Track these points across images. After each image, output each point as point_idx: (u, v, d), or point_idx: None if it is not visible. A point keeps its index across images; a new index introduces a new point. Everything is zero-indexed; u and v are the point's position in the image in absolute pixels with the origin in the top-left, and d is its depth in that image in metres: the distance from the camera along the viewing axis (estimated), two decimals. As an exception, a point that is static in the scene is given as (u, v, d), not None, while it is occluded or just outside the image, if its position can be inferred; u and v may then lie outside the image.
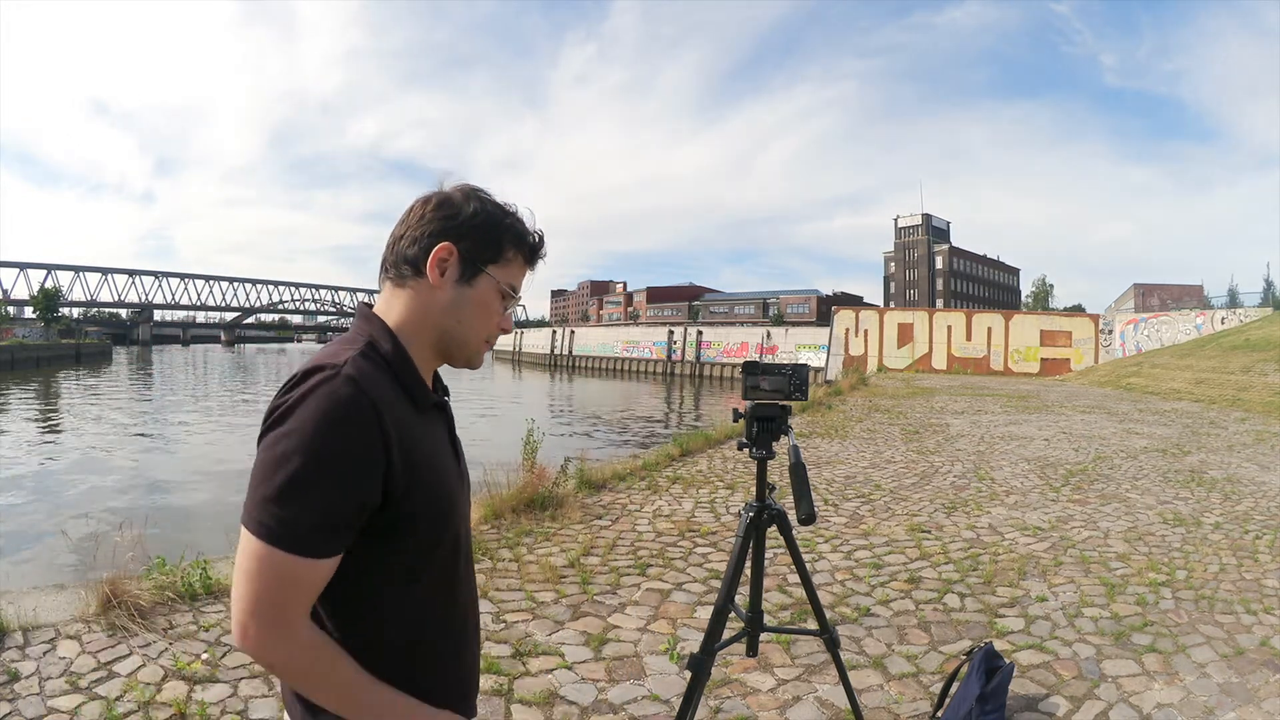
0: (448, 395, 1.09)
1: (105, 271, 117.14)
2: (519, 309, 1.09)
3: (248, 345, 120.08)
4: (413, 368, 0.96)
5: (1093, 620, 3.34)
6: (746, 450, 2.02)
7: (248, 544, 0.82)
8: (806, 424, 10.41)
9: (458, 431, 1.11)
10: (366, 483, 0.84)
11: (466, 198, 0.98)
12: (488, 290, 0.99)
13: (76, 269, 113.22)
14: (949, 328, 30.12)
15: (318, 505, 0.81)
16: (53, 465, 12.86)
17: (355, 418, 0.83)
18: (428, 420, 0.98)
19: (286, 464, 0.81)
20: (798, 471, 1.79)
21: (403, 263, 0.97)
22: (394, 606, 0.93)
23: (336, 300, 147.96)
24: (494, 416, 20.87)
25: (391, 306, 0.98)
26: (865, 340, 30.64)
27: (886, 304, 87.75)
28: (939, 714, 2.47)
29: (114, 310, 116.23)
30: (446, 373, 1.11)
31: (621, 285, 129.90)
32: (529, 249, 1.03)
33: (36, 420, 20.14)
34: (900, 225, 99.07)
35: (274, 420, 0.85)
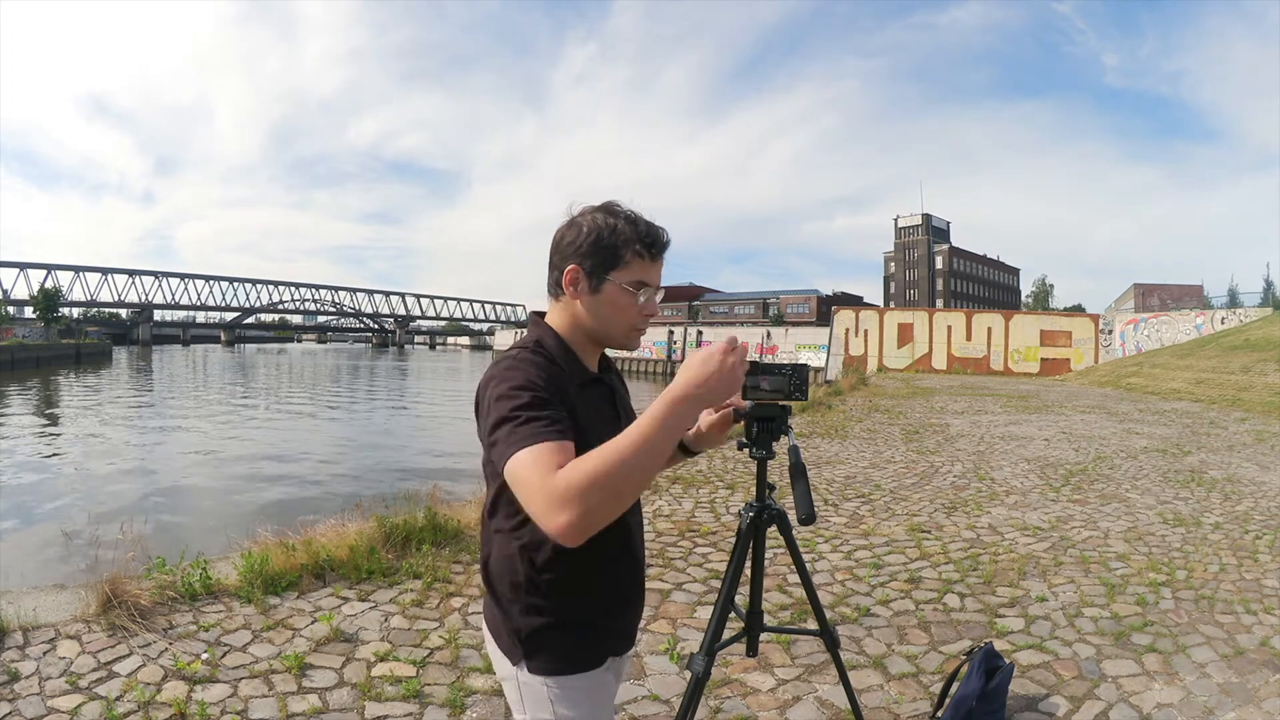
0: (613, 371, 1.38)
1: (105, 271, 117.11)
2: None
3: (248, 345, 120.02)
4: (571, 356, 1.24)
5: (1093, 620, 3.34)
6: (746, 450, 2.01)
7: (518, 460, 1.02)
8: (807, 424, 10.41)
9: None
10: (563, 402, 1.13)
11: (581, 221, 1.23)
12: (615, 293, 1.22)
13: (76, 269, 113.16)
14: (949, 328, 30.11)
15: (545, 412, 1.08)
16: (53, 465, 12.86)
17: (540, 365, 1.16)
18: (587, 393, 1.23)
19: (512, 403, 1.08)
20: (798, 472, 1.79)
21: (553, 284, 1.26)
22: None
23: (336, 300, 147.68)
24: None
25: (552, 315, 1.29)
26: (865, 340, 30.63)
27: (886, 304, 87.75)
28: (939, 714, 2.47)
29: (114, 310, 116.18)
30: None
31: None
32: (644, 246, 1.23)
33: (36, 420, 20.13)
34: (900, 225, 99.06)
35: (485, 392, 1.15)
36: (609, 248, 1.21)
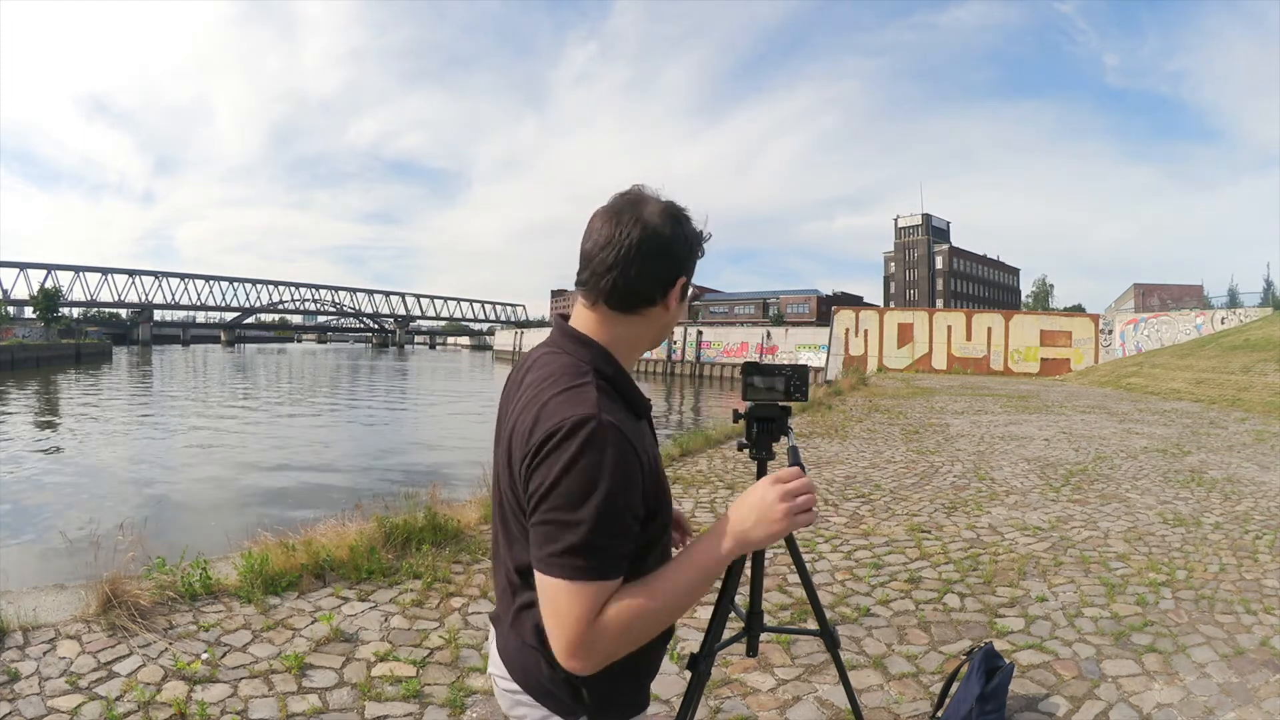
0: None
1: (105, 271, 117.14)
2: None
3: (248, 345, 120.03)
4: (631, 382, 1.07)
5: (1093, 620, 3.34)
6: (746, 451, 2.01)
7: (561, 587, 0.92)
8: (807, 424, 10.41)
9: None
10: (640, 514, 0.97)
11: (673, 226, 1.04)
12: (677, 300, 1.09)
13: (76, 269, 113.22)
14: (949, 328, 30.11)
15: (615, 543, 0.93)
16: (53, 465, 12.86)
17: (628, 463, 0.94)
18: (646, 425, 1.11)
19: (583, 515, 0.91)
20: (797, 472, 1.79)
21: (633, 295, 1.04)
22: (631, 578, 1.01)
23: (336, 300, 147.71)
24: (494, 417, 20.82)
25: (616, 331, 1.07)
26: (865, 340, 30.63)
27: (886, 304, 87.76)
28: (939, 714, 2.47)
29: (114, 310, 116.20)
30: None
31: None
32: (701, 249, 1.11)
33: (36, 420, 20.14)
34: (900, 225, 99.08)
35: (555, 479, 0.92)
36: (696, 253, 1.10)
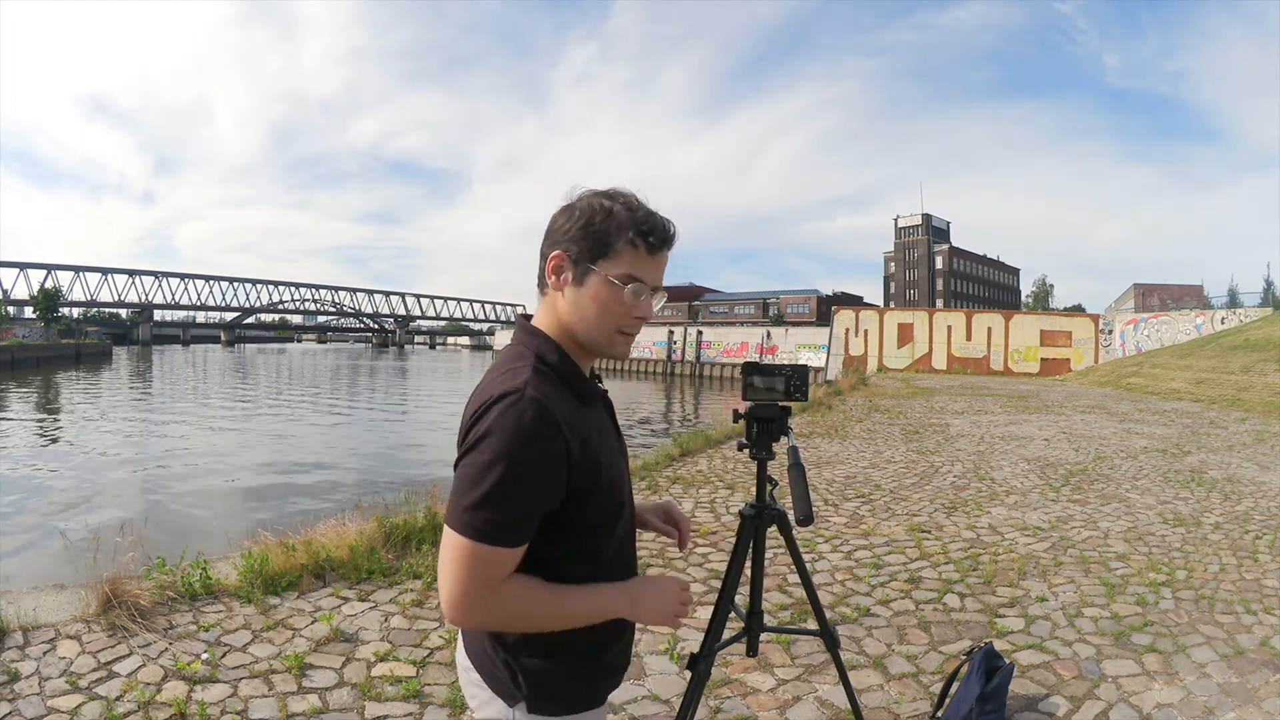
0: (601, 383, 1.21)
1: (105, 271, 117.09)
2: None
3: (248, 345, 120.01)
4: (576, 369, 1.11)
5: (1093, 620, 3.34)
6: (746, 451, 2.01)
7: (455, 540, 0.99)
8: (806, 424, 10.41)
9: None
10: (552, 489, 1.01)
11: (574, 205, 1.09)
12: (599, 287, 1.07)
13: (76, 269, 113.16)
14: (949, 328, 30.12)
15: (512, 509, 0.98)
16: (53, 465, 12.85)
17: (542, 435, 0.98)
18: (593, 410, 1.12)
19: (486, 477, 0.97)
20: (797, 473, 1.79)
21: (540, 275, 1.12)
22: (573, 562, 1.08)
23: (336, 300, 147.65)
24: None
25: (541, 316, 1.14)
26: (865, 340, 30.64)
27: (886, 304, 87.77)
28: (939, 714, 2.47)
29: (114, 310, 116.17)
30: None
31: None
32: (640, 235, 1.07)
33: (36, 420, 20.14)
34: (900, 225, 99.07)
35: (473, 443, 1.00)
36: (600, 233, 1.06)
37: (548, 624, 1.06)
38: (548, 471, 1.00)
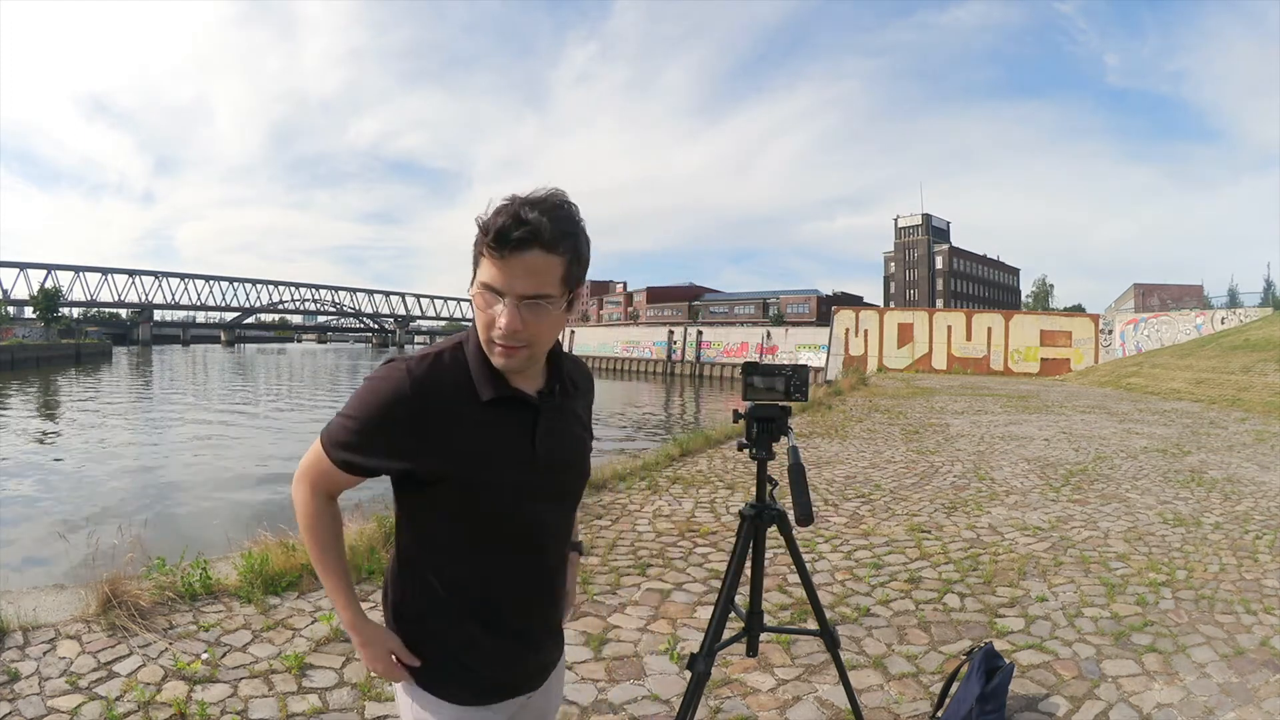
0: (555, 392, 1.18)
1: (105, 271, 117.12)
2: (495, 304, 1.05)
3: (248, 345, 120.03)
4: (485, 368, 1.10)
5: (1093, 620, 3.34)
6: (746, 451, 2.01)
7: (315, 449, 1.17)
8: (806, 424, 10.41)
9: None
10: (382, 443, 1.09)
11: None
12: (475, 294, 1.07)
13: (76, 269, 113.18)
14: (949, 328, 30.11)
15: (341, 436, 1.11)
16: (53, 465, 12.86)
17: (392, 396, 1.07)
18: (496, 411, 1.11)
19: (347, 405, 1.12)
20: (796, 473, 1.79)
21: None
22: (462, 554, 1.14)
23: (336, 300, 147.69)
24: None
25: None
26: (865, 340, 30.63)
27: (886, 304, 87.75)
28: (939, 714, 2.47)
29: (114, 310, 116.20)
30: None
31: (621, 285, 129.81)
32: (485, 239, 1.02)
33: (36, 420, 20.14)
34: (900, 225, 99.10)
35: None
36: (476, 244, 1.05)
37: (314, 561, 1.21)
38: (382, 427, 1.07)
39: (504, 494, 1.11)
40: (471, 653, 1.16)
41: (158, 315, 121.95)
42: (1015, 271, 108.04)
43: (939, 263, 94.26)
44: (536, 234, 1.01)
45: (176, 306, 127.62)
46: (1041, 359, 28.56)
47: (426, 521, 1.15)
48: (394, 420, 1.07)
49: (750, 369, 2.05)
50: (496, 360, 1.08)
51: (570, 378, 1.24)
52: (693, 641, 2.94)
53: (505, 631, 1.17)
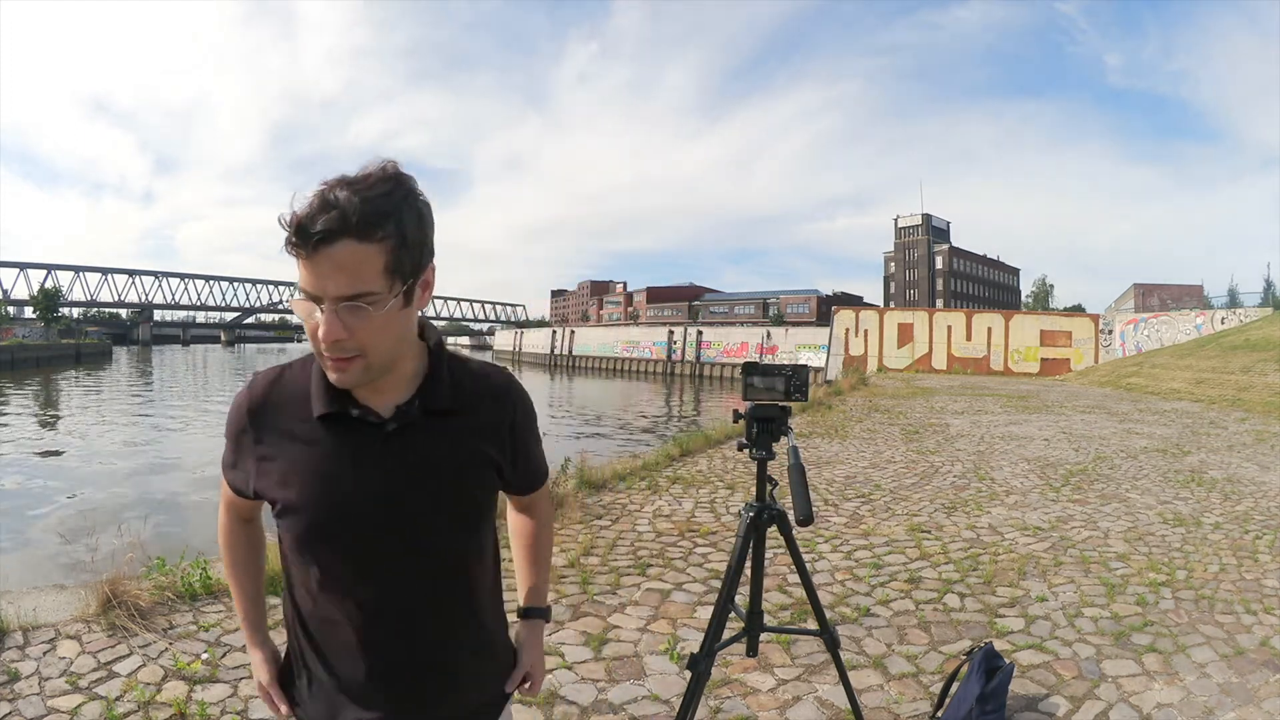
0: (414, 409, 1.00)
1: (105, 271, 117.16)
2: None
3: (248, 345, 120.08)
4: (322, 376, 0.97)
5: (1093, 620, 3.34)
6: (746, 451, 2.02)
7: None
8: (806, 424, 10.41)
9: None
10: (232, 463, 1.08)
11: None
12: (294, 302, 0.92)
13: (76, 269, 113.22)
14: (949, 328, 30.11)
15: (224, 457, 1.11)
16: (53, 465, 12.86)
17: (234, 414, 1.06)
18: (328, 430, 0.99)
19: None
20: (796, 473, 1.79)
21: None
22: (299, 579, 1.07)
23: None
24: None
25: None
26: (865, 340, 30.63)
27: (886, 304, 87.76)
28: (939, 714, 2.47)
29: (114, 310, 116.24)
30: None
31: (621, 285, 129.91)
32: (289, 237, 0.86)
33: (36, 420, 20.14)
34: (900, 225, 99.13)
35: None
36: (286, 242, 0.87)
37: (227, 578, 1.28)
38: (234, 447, 1.06)
39: (320, 524, 0.99)
40: (310, 687, 1.11)
41: (158, 315, 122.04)
42: (1015, 271, 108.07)
43: (939, 263, 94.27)
44: (343, 221, 0.84)
45: (176, 306, 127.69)
46: (1041, 359, 28.55)
47: (282, 546, 1.08)
48: (238, 440, 1.05)
49: (750, 369, 2.05)
50: (330, 376, 0.93)
51: (454, 391, 1.03)
52: (693, 641, 2.94)
53: (332, 674, 1.07)
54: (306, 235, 0.84)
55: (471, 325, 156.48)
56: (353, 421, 0.98)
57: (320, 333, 0.88)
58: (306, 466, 0.99)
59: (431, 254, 0.95)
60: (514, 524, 1.31)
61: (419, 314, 1.00)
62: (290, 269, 0.90)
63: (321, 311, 0.88)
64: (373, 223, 0.85)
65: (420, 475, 1.00)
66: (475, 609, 1.12)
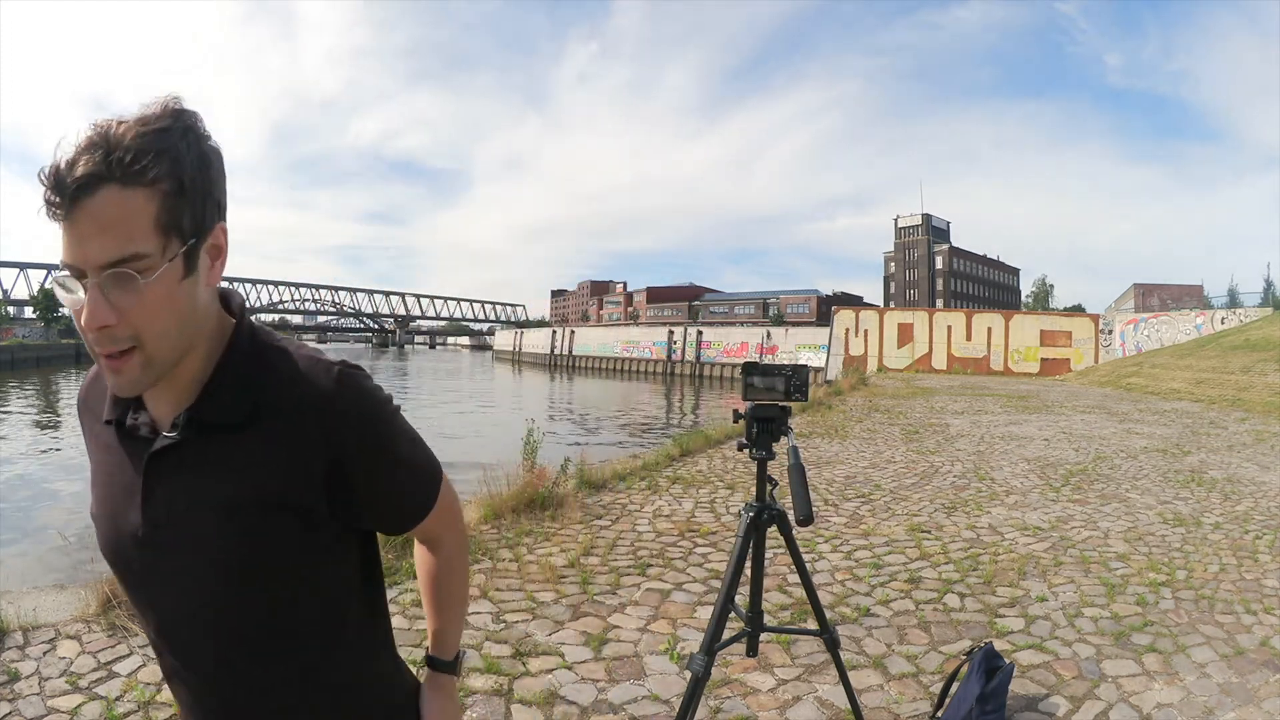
0: (191, 424, 0.76)
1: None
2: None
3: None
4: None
5: (1093, 620, 3.34)
6: (746, 451, 2.02)
7: None
8: (806, 424, 10.41)
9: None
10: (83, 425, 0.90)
11: None
12: (53, 283, 0.73)
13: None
14: (949, 328, 30.13)
15: None
16: (53, 465, 12.86)
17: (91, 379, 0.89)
18: (119, 436, 0.81)
19: None
20: (796, 473, 1.79)
21: None
22: None
23: (337, 300, 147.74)
24: (494, 417, 20.88)
25: None
26: (865, 340, 30.64)
27: (886, 304, 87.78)
28: (939, 714, 2.47)
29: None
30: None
31: (621, 285, 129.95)
32: (44, 192, 0.67)
33: (36, 420, 20.14)
34: (900, 225, 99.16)
35: None
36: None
37: None
38: (84, 421, 0.90)
39: (107, 555, 0.83)
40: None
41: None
42: (1015, 271, 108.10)
43: (939, 263, 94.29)
44: (106, 162, 0.66)
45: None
46: (1041, 359, 28.57)
47: None
48: (80, 412, 0.91)
49: (750, 369, 2.05)
50: (108, 379, 0.73)
51: (243, 397, 0.76)
52: (693, 641, 2.94)
53: (181, 693, 0.87)
54: (63, 186, 0.66)
55: (471, 325, 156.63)
56: (128, 434, 0.80)
57: (83, 318, 0.67)
58: (97, 479, 0.84)
59: (221, 212, 0.76)
60: (417, 557, 1.06)
61: (215, 290, 0.79)
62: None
63: (69, 288, 0.68)
64: (141, 161, 0.67)
65: (181, 515, 0.76)
66: (326, 699, 0.85)
